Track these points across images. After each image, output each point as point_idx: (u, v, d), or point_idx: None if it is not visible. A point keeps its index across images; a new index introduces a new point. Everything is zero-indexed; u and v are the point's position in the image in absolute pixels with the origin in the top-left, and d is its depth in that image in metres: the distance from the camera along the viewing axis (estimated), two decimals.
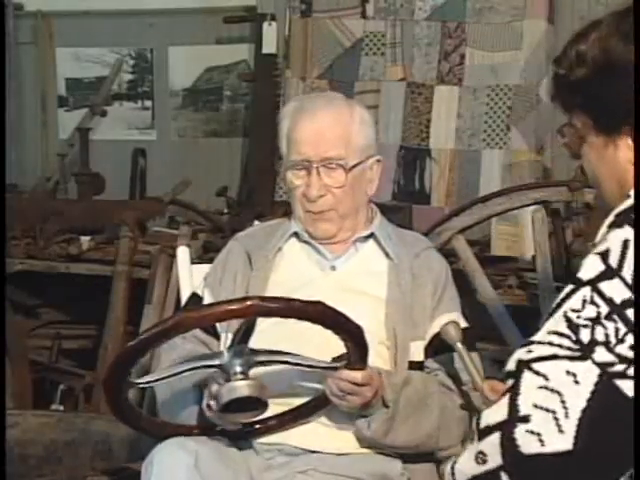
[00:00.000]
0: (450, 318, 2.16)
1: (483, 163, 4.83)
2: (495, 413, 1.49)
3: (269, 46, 5.21)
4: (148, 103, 5.90)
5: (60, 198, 5.20)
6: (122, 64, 5.85)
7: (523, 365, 1.48)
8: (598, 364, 1.43)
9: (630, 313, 1.44)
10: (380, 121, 4.89)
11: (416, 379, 2.13)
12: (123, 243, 3.96)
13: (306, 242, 2.29)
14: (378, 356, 2.12)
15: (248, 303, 1.79)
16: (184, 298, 2.45)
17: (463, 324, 2.20)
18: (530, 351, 1.49)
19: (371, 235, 2.29)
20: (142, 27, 5.78)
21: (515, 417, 1.45)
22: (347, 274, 2.25)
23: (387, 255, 2.27)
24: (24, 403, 3.86)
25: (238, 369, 1.89)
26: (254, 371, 1.94)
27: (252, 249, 2.30)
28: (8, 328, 3.72)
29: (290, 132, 2.25)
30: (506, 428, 1.45)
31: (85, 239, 4.21)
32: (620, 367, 1.43)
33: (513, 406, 1.46)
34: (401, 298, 2.20)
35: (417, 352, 2.20)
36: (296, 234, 2.30)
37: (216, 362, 1.92)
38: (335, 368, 1.98)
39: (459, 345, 2.03)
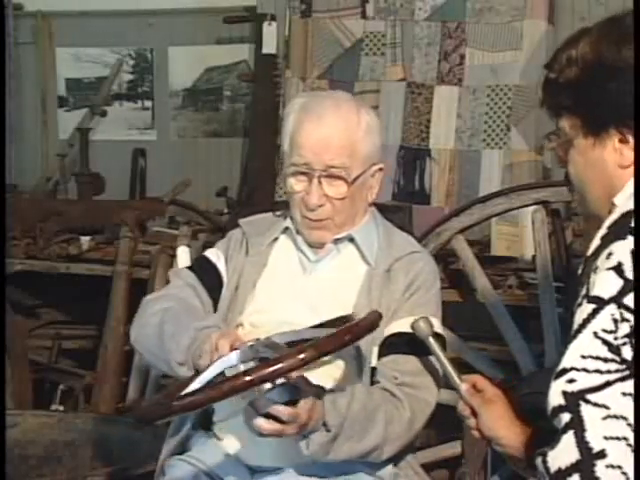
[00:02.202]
0: (409, 322, 2.09)
1: (483, 163, 4.82)
2: (564, 454, 1.43)
3: (269, 46, 5.19)
4: (148, 103, 5.89)
5: (60, 198, 5.21)
6: (122, 64, 5.84)
7: (575, 398, 1.43)
8: None
9: None
10: (380, 121, 4.88)
11: (361, 392, 2.05)
12: (123, 243, 3.97)
13: (294, 240, 2.28)
14: (341, 365, 2.09)
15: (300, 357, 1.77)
16: None
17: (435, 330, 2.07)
18: (572, 380, 1.44)
19: (352, 238, 2.24)
20: (142, 27, 5.78)
21: (590, 455, 1.40)
22: (324, 278, 2.22)
23: (366, 260, 2.22)
24: (24, 403, 3.87)
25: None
26: None
27: (250, 235, 2.30)
28: (8, 328, 3.72)
29: (294, 133, 2.19)
30: (585, 468, 1.40)
31: (85, 239, 4.21)
32: None
33: (583, 443, 1.41)
34: (367, 305, 2.13)
35: (374, 357, 2.14)
36: (289, 229, 2.29)
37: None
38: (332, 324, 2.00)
39: (431, 340, 1.91)
